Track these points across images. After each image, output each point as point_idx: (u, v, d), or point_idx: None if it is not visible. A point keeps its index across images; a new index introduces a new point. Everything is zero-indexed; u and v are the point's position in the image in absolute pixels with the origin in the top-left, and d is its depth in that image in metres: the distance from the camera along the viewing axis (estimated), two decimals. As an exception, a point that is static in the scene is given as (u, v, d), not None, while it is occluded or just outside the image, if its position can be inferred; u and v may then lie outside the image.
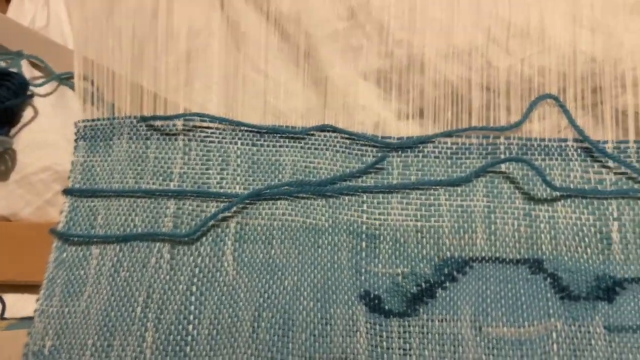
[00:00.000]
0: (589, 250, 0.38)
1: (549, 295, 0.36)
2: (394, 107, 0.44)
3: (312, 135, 0.42)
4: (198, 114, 0.42)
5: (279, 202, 0.40)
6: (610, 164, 0.40)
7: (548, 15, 0.42)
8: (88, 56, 0.44)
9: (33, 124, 0.45)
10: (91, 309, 0.38)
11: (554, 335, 0.35)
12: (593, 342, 0.35)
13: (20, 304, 0.41)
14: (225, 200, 0.40)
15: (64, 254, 0.39)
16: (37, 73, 0.47)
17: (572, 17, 0.42)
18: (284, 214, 0.40)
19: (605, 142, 0.40)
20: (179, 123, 0.42)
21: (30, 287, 0.41)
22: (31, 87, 0.45)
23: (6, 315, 0.40)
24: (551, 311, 0.36)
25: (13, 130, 0.45)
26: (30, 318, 0.38)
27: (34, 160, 0.44)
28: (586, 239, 0.38)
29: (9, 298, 0.41)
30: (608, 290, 0.36)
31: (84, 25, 0.45)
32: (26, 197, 0.43)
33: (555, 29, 0.42)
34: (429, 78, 0.42)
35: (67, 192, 0.41)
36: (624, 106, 0.41)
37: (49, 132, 0.45)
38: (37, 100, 0.46)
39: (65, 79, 0.46)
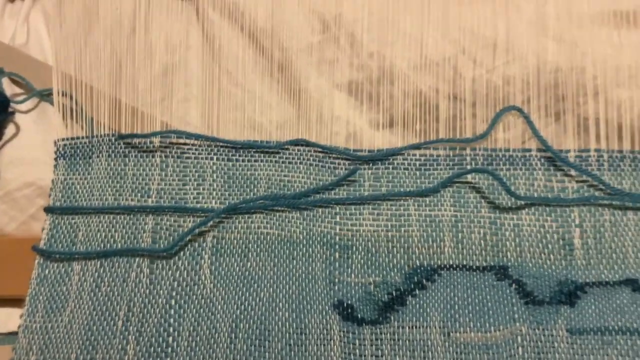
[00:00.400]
0: (552, 256, 0.39)
1: (514, 300, 0.37)
2: (367, 117, 0.44)
3: (286, 149, 0.43)
4: (174, 131, 0.43)
5: (254, 215, 0.41)
6: (573, 172, 0.41)
7: (514, 27, 0.43)
8: (67, 72, 0.44)
9: (15, 141, 0.45)
10: (74, 323, 0.38)
11: (519, 339, 0.36)
12: (556, 344, 0.36)
13: (4, 318, 0.41)
14: (202, 215, 0.41)
15: (46, 271, 0.40)
16: (18, 90, 0.47)
17: (538, 29, 0.43)
18: (259, 227, 0.41)
19: (568, 151, 0.41)
20: (156, 140, 0.43)
21: (15, 302, 0.40)
22: (12, 104, 0.45)
23: (-9, 328, 0.40)
24: (516, 316, 0.36)
25: None
26: (15, 333, 0.39)
27: (16, 176, 0.44)
28: (549, 246, 0.39)
29: None
30: (570, 294, 0.37)
31: (63, 42, 0.45)
32: (10, 213, 0.43)
33: (522, 40, 0.43)
34: (400, 88, 0.43)
35: (48, 210, 0.42)
36: (585, 115, 0.42)
37: (31, 148, 0.45)
38: (18, 117, 0.46)
39: (46, 95, 0.46)
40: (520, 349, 0.36)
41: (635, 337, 0.36)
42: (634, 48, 0.42)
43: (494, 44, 0.43)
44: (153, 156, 0.43)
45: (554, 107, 0.42)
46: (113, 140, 0.43)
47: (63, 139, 0.43)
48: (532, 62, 0.42)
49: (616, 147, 0.42)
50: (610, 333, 0.36)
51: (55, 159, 0.43)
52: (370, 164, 0.42)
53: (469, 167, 0.41)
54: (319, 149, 0.43)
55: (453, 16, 0.44)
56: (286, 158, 0.43)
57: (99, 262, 0.40)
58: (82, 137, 0.44)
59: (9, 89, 0.46)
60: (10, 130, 0.45)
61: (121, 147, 0.43)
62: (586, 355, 0.36)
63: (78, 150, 0.43)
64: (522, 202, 0.40)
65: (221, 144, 0.43)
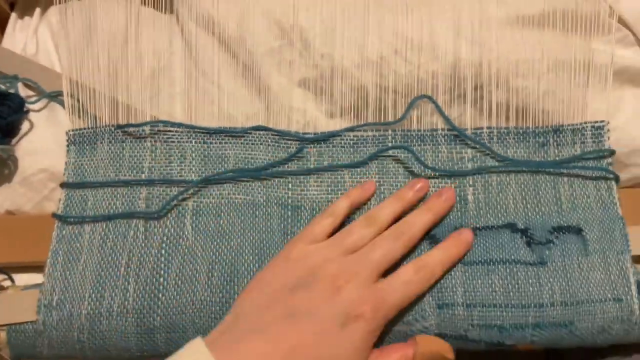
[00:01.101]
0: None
1: (421, 242, 0.41)
2: (323, 108, 0.47)
3: (250, 134, 0.46)
4: (161, 121, 0.46)
5: (225, 185, 0.44)
6: (470, 144, 0.45)
7: (436, 31, 0.46)
8: (73, 78, 0.47)
9: (30, 135, 0.48)
10: (86, 271, 0.42)
11: None
12: (453, 273, 0.40)
13: (26, 279, 0.45)
14: (184, 185, 0.44)
15: (63, 232, 0.43)
16: (30, 93, 0.50)
17: (454, 32, 0.46)
18: (229, 194, 0.44)
19: (466, 129, 0.45)
20: (147, 129, 0.46)
21: (34, 267, 0.45)
22: (27, 105, 0.48)
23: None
24: (423, 253, 0.41)
25: (14, 141, 0.48)
26: (38, 285, 0.42)
27: (32, 164, 0.47)
28: None
29: (18, 277, 0.44)
30: None
31: (69, 53, 0.48)
32: (27, 195, 0.47)
33: (442, 42, 0.46)
34: (346, 83, 0.46)
35: (63, 185, 0.45)
36: (490, 102, 0.46)
37: (43, 140, 0.48)
38: (32, 115, 0.49)
39: (54, 96, 0.49)
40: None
41: (512, 266, 0.40)
42: (530, 45, 0.45)
43: (419, 45, 0.46)
44: (145, 141, 0.46)
45: (466, 97, 0.46)
46: (113, 130, 0.46)
47: (73, 130, 0.47)
48: (450, 59, 0.45)
49: (504, 125, 0.45)
50: (493, 263, 0.40)
51: (67, 146, 0.46)
52: (315, 144, 0.45)
53: (390, 144, 0.45)
54: (275, 133, 0.46)
55: (388, 23, 0.46)
56: (250, 140, 0.46)
57: (104, 224, 0.43)
58: (88, 128, 0.47)
59: (23, 92, 0.49)
60: (25, 126, 0.48)
61: (119, 135, 0.46)
62: (475, 281, 0.40)
63: (85, 138, 0.46)
64: (429, 171, 0.44)
65: (198, 130, 0.46)
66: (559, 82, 0.45)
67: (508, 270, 0.40)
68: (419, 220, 0.40)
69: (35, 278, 0.44)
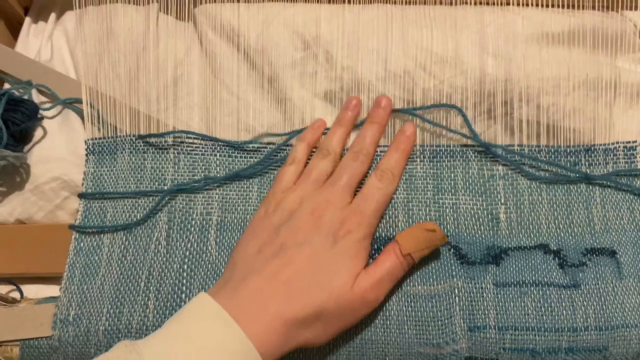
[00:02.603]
0: (482, 227, 0.43)
1: (452, 261, 0.41)
2: None
3: (273, 147, 0.46)
4: (185, 132, 0.46)
5: (249, 199, 0.44)
6: (500, 161, 0.44)
7: (462, 46, 0.46)
8: (91, 85, 0.47)
9: (43, 142, 0.47)
10: (105, 285, 0.41)
11: (456, 290, 0.40)
12: (485, 295, 0.40)
13: (35, 290, 0.44)
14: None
15: (82, 244, 0.43)
16: (44, 99, 0.49)
17: (480, 47, 0.46)
18: (254, 209, 0.44)
19: (497, 146, 0.45)
20: (170, 139, 0.46)
21: (43, 279, 0.44)
22: (41, 111, 0.48)
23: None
24: (454, 273, 0.41)
25: (26, 148, 0.47)
26: (51, 298, 0.42)
27: (44, 172, 0.46)
28: (480, 220, 0.43)
29: (26, 288, 0.44)
30: (496, 256, 0.41)
31: (86, 60, 0.48)
32: (39, 204, 0.46)
33: (468, 56, 0.46)
34: (370, 97, 0.46)
35: (82, 196, 0.45)
36: (519, 117, 0.45)
37: (56, 148, 0.47)
38: (45, 122, 0.48)
39: (69, 103, 0.48)
40: (457, 298, 0.40)
41: (545, 288, 0.40)
42: (555, 63, 0.45)
43: (443, 59, 0.46)
44: (167, 152, 0.45)
45: (493, 112, 0.45)
46: (134, 140, 0.46)
47: (92, 139, 0.46)
48: (475, 74, 0.45)
49: (535, 143, 0.45)
50: (526, 285, 0.40)
51: (86, 155, 0.46)
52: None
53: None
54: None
55: (411, 37, 0.46)
56: (266, 152, 0.45)
57: (124, 237, 0.43)
58: (108, 137, 0.46)
59: (37, 98, 0.49)
60: (38, 133, 0.48)
61: (141, 146, 0.46)
62: (508, 303, 0.40)
63: (105, 148, 0.46)
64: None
65: (222, 143, 0.46)
66: (586, 100, 0.46)
67: (541, 293, 0.40)
68: (367, 135, 0.44)
69: (44, 290, 0.44)
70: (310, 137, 0.45)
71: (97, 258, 0.43)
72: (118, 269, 0.42)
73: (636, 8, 0.48)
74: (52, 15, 0.54)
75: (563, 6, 0.48)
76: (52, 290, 0.44)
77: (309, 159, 0.45)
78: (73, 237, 0.43)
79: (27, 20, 0.55)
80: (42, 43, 0.53)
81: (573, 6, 0.48)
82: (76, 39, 0.51)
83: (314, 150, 0.45)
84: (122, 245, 0.43)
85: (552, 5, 0.48)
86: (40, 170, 0.46)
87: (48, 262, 0.44)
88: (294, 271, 0.37)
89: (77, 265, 0.42)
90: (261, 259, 0.38)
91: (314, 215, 0.39)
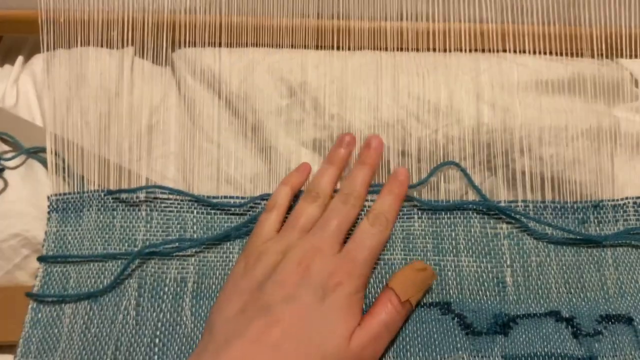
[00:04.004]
0: (487, 292, 0.40)
1: (456, 332, 0.39)
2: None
3: (258, 204, 0.44)
4: (159, 186, 0.43)
5: (229, 263, 0.42)
6: (504, 218, 0.43)
7: (456, 94, 0.45)
8: (58, 133, 0.44)
9: (3, 195, 0.45)
10: None
11: None
12: None
13: None
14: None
15: (39, 315, 0.39)
16: (6, 147, 0.47)
17: (475, 95, 0.45)
18: None
19: (499, 201, 0.43)
20: (142, 195, 0.43)
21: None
22: (1, 162, 0.45)
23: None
24: (459, 345, 0.38)
25: None
26: None
27: (3, 228, 0.43)
28: (485, 284, 0.41)
29: None
30: (504, 325, 0.39)
31: (53, 106, 0.46)
32: None
33: (462, 105, 0.45)
34: (358, 146, 0.45)
35: (41, 259, 0.42)
36: (515, 170, 0.44)
37: (18, 202, 0.44)
38: (7, 173, 0.45)
39: (34, 153, 0.46)
40: (462, 374, 0.37)
41: None
42: (554, 112, 0.45)
43: (437, 108, 0.45)
44: (139, 209, 0.43)
45: (488, 164, 0.44)
46: (102, 196, 0.43)
47: (55, 195, 0.44)
48: (470, 124, 0.44)
49: (540, 198, 0.44)
50: (538, 358, 0.37)
51: (49, 213, 0.43)
52: None
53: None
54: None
55: (402, 85, 0.45)
56: (258, 211, 0.43)
57: (88, 306, 0.40)
58: (74, 193, 0.44)
59: None
60: None
61: (110, 202, 0.43)
62: None
63: (69, 205, 0.43)
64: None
65: (201, 200, 0.44)
66: (588, 152, 0.45)
67: None
68: (358, 176, 0.42)
69: None
70: (295, 181, 0.43)
71: (56, 331, 0.39)
72: (80, 343, 0.39)
73: (632, 56, 0.48)
74: (20, 58, 0.52)
75: (559, 54, 0.48)
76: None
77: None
78: (30, 306, 0.40)
79: None
80: (6, 87, 0.51)
81: (568, 54, 0.48)
82: (44, 84, 0.49)
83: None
84: (86, 316, 0.40)
85: (548, 53, 0.48)
86: None
87: (3, 330, 0.40)
88: (282, 332, 0.33)
89: (33, 339, 0.39)
90: (244, 320, 0.34)
91: (301, 265, 0.36)
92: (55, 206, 0.44)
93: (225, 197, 0.44)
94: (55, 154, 0.45)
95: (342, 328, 0.35)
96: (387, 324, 0.37)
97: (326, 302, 0.35)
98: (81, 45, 0.47)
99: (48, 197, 0.44)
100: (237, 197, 0.44)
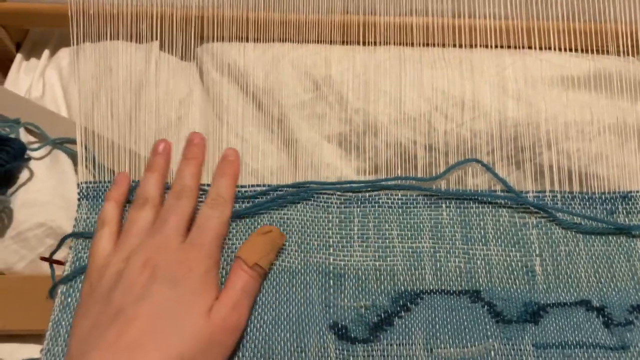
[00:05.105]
0: (517, 281, 0.40)
1: (486, 320, 0.39)
2: (354, 165, 0.46)
3: (282, 191, 0.43)
4: None
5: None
6: (532, 209, 0.43)
7: (479, 88, 0.45)
8: (86, 125, 0.45)
9: (29, 184, 0.45)
10: None
11: (492, 353, 0.38)
12: (524, 358, 0.37)
13: (8, 352, 0.41)
14: None
15: (69, 299, 0.39)
16: (32, 138, 0.47)
17: (499, 89, 0.45)
18: None
19: (527, 192, 0.43)
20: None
21: (21, 337, 0.41)
22: (28, 152, 0.45)
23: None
24: (489, 333, 0.38)
25: (10, 190, 0.44)
26: None
27: (28, 217, 0.43)
28: (515, 273, 0.41)
29: (0, 348, 0.41)
30: (534, 314, 0.39)
31: (81, 99, 0.46)
32: (21, 252, 0.43)
33: (486, 99, 0.45)
34: (382, 140, 0.45)
35: (70, 236, 0.42)
36: (541, 163, 0.44)
37: (43, 191, 0.45)
38: (32, 163, 0.46)
39: (59, 144, 0.46)
40: (493, 361, 0.37)
41: (590, 350, 0.37)
42: (578, 107, 0.45)
43: (462, 102, 0.45)
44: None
45: (514, 157, 0.45)
46: (133, 186, 0.43)
47: (86, 182, 0.44)
48: (495, 117, 0.45)
49: (567, 190, 0.44)
50: (570, 347, 0.37)
51: (79, 199, 0.43)
52: (359, 204, 0.43)
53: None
54: (315, 190, 0.43)
55: (427, 78, 0.46)
56: (284, 199, 0.43)
57: None
58: (104, 182, 0.44)
59: (25, 137, 0.47)
60: (24, 175, 0.45)
61: None
62: None
63: (100, 193, 0.43)
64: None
65: None
66: (612, 146, 0.45)
67: (586, 356, 0.37)
68: (185, 171, 0.42)
69: (21, 350, 0.41)
70: (116, 194, 0.42)
71: None
72: None
73: (655, 53, 0.48)
74: (46, 52, 0.54)
75: (584, 50, 0.49)
76: (31, 350, 0.41)
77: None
78: (59, 290, 0.40)
79: (19, 56, 0.54)
80: (33, 80, 0.52)
81: (592, 51, 0.49)
82: (70, 76, 0.50)
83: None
84: None
85: (573, 50, 0.48)
86: (24, 215, 0.44)
87: (27, 318, 0.40)
88: (139, 330, 0.33)
89: (64, 323, 0.38)
90: (97, 332, 0.34)
91: (147, 266, 0.36)
92: (85, 193, 0.44)
93: (252, 187, 0.44)
94: (85, 147, 0.45)
95: (198, 306, 0.35)
96: (243, 289, 0.37)
97: (179, 289, 0.35)
98: (109, 39, 0.48)
99: (78, 185, 0.44)
100: (264, 186, 0.44)
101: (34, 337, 0.41)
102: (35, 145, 0.47)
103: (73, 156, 0.46)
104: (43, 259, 0.42)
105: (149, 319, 0.34)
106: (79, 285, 0.40)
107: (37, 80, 0.51)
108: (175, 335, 0.34)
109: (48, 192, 0.45)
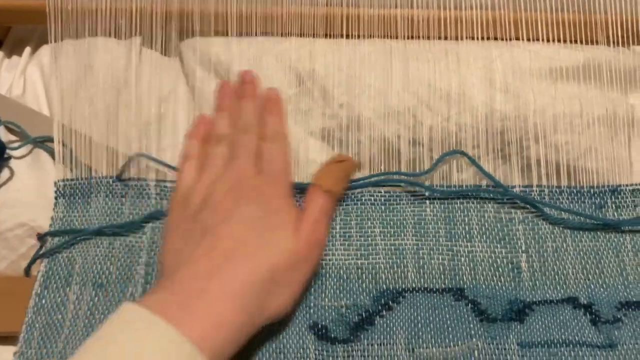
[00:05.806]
0: (502, 279, 0.40)
1: (470, 318, 0.38)
2: None
3: None
4: (171, 166, 0.43)
5: None
6: (518, 204, 0.42)
7: (467, 80, 0.45)
8: (65, 123, 0.44)
9: (9, 184, 0.45)
10: (67, 349, 0.37)
11: (476, 352, 0.37)
12: (509, 357, 0.37)
13: None
14: None
15: (43, 300, 0.39)
16: (13, 137, 0.47)
17: (487, 82, 0.45)
18: None
19: (514, 186, 0.43)
20: (152, 184, 0.43)
21: (3, 338, 0.40)
22: (8, 151, 0.45)
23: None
24: (472, 332, 0.38)
25: None
26: None
27: (9, 217, 0.43)
28: (500, 270, 0.40)
29: None
30: (519, 312, 0.38)
31: (61, 96, 0.46)
32: (1, 252, 0.43)
33: (472, 92, 0.44)
34: (367, 135, 0.44)
35: (47, 234, 0.41)
36: (529, 157, 0.44)
37: (24, 191, 0.45)
38: (13, 162, 0.46)
39: (41, 142, 0.46)
40: (477, 361, 0.36)
41: (577, 349, 0.37)
42: (567, 99, 0.45)
43: (448, 95, 0.44)
44: (149, 198, 0.43)
45: (501, 151, 0.44)
46: (111, 182, 0.43)
47: (63, 180, 0.43)
48: (482, 111, 0.44)
49: (555, 184, 0.43)
50: (556, 345, 0.37)
51: (55, 198, 0.43)
52: (341, 201, 0.43)
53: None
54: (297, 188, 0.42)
55: (412, 71, 0.45)
56: None
57: (93, 291, 0.39)
58: (81, 179, 0.43)
59: (5, 136, 0.46)
60: (5, 174, 0.45)
61: (119, 189, 0.43)
62: None
63: (77, 191, 0.43)
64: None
65: None
66: (602, 139, 0.45)
67: (573, 354, 0.37)
68: (249, 109, 0.44)
69: (2, 352, 0.40)
70: (197, 132, 0.44)
71: (60, 317, 0.39)
72: (84, 329, 0.38)
73: (647, 44, 0.47)
74: (27, 49, 0.53)
75: (573, 41, 0.48)
76: (11, 352, 0.39)
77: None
78: (34, 292, 0.40)
79: (0, 54, 0.53)
80: (14, 78, 0.51)
81: (581, 41, 0.48)
82: (52, 74, 0.49)
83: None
84: (91, 302, 0.39)
85: (562, 41, 0.48)
86: (4, 215, 0.43)
87: (7, 320, 0.40)
88: (231, 242, 0.36)
89: (37, 325, 0.38)
90: (189, 248, 0.36)
91: (231, 191, 0.39)
92: (62, 192, 0.43)
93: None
94: (63, 143, 0.44)
95: (284, 224, 0.38)
96: (321, 209, 0.40)
97: (264, 208, 0.38)
98: (89, 36, 0.47)
99: (55, 183, 0.44)
100: None
101: (14, 338, 0.39)
102: (16, 144, 0.46)
103: (54, 155, 0.45)
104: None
105: (241, 233, 0.36)
106: (55, 287, 0.40)
107: (18, 78, 0.51)
108: (265, 250, 0.36)
109: (29, 192, 0.45)
